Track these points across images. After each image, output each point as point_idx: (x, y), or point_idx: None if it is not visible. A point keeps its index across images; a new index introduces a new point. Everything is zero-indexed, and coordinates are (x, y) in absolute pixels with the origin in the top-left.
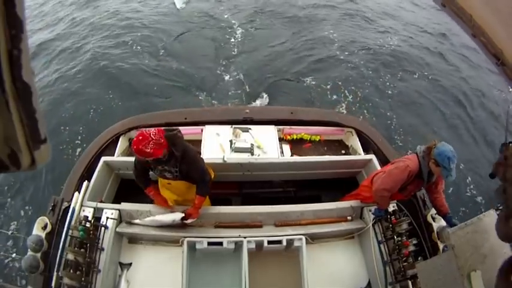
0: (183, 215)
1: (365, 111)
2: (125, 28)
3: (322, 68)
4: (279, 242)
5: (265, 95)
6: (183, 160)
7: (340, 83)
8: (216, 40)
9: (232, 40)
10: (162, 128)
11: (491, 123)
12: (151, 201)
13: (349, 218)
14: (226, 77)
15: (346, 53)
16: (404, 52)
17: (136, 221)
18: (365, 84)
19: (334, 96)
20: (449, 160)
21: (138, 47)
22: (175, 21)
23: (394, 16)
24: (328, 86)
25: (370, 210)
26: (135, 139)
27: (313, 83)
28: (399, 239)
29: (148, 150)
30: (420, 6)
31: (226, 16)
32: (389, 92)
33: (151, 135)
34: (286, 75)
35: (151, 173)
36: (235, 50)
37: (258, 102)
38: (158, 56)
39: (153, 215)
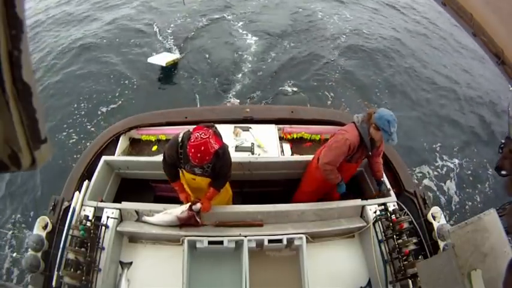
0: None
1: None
2: (129, 29)
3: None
4: (280, 240)
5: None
6: (223, 156)
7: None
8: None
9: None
10: (201, 125)
11: (491, 123)
12: (151, 201)
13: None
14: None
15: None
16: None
17: (145, 218)
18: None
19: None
20: (389, 123)
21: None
22: (182, 16)
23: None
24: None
25: (369, 208)
26: (195, 154)
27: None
28: (400, 239)
29: (209, 157)
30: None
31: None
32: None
33: (209, 141)
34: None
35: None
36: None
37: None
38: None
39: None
